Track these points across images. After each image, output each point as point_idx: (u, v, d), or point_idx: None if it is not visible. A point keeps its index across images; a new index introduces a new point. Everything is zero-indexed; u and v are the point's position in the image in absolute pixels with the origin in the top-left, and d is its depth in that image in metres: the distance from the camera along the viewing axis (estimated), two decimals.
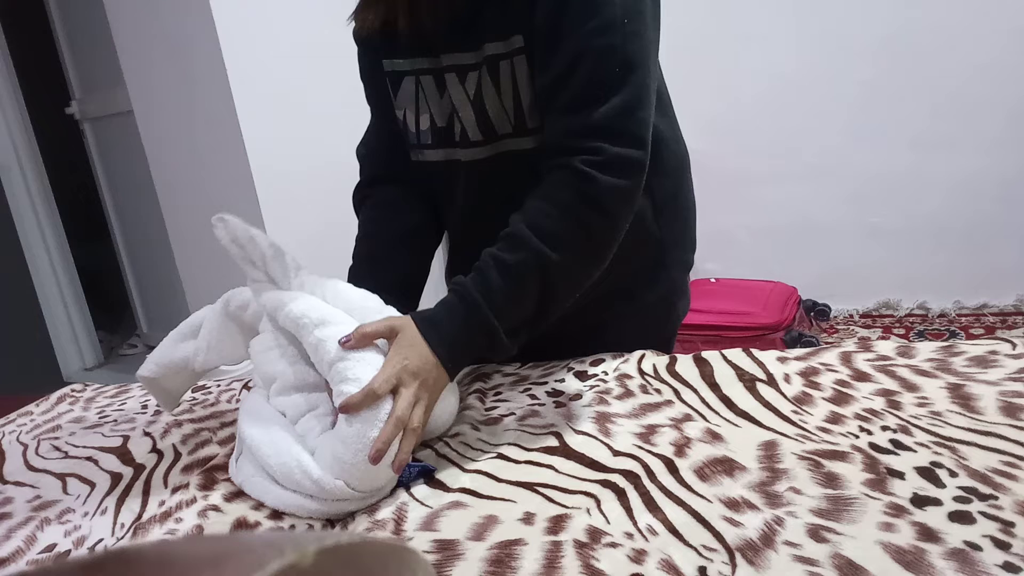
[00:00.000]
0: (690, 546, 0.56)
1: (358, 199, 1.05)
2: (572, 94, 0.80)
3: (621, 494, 0.64)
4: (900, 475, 0.60)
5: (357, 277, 0.96)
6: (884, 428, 0.68)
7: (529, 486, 0.67)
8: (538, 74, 0.83)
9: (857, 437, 0.67)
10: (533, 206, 0.81)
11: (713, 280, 2.65)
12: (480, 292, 0.78)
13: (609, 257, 0.84)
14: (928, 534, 0.53)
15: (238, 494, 0.75)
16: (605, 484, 0.66)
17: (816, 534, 0.55)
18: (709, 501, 0.61)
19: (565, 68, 0.80)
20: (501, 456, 0.74)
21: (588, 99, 0.80)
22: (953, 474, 0.60)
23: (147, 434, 0.94)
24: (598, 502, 0.63)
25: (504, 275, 0.78)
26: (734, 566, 0.53)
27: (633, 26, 0.80)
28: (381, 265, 0.98)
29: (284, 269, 0.79)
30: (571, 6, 0.79)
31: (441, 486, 0.70)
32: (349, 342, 0.73)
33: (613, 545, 0.57)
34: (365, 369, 0.72)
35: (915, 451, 0.64)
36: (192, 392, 1.10)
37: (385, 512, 0.68)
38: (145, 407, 1.07)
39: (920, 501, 0.57)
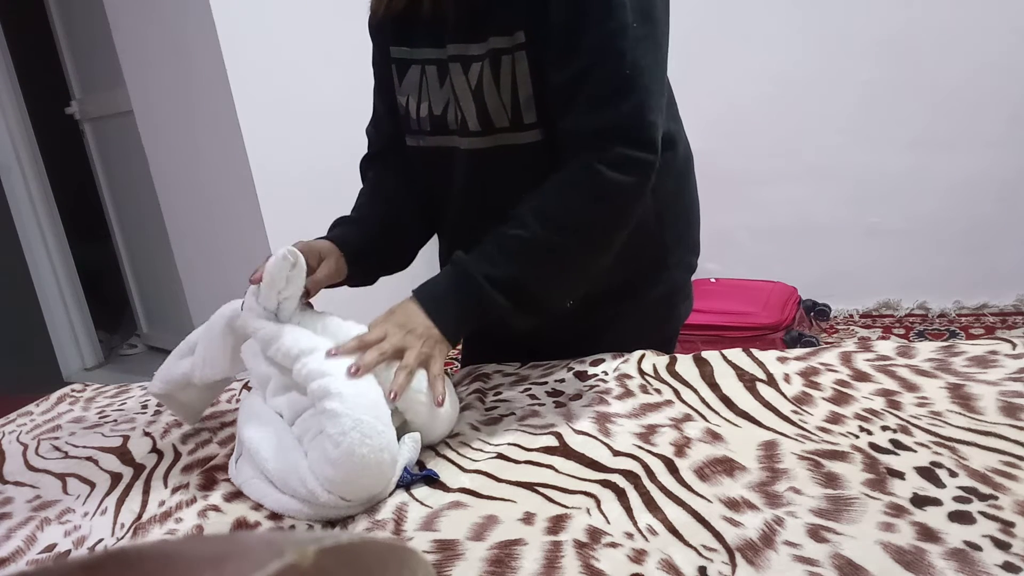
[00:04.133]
0: (690, 546, 0.56)
1: (364, 166, 1.07)
2: (585, 94, 0.82)
3: (621, 494, 0.64)
4: (900, 475, 0.61)
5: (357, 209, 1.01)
6: (884, 428, 0.68)
7: (529, 486, 0.67)
8: (552, 71, 0.84)
9: (857, 437, 0.67)
10: (539, 192, 0.86)
11: (713, 280, 2.65)
12: (470, 255, 0.85)
13: (610, 249, 0.87)
14: (928, 534, 0.53)
15: (238, 494, 0.75)
16: (605, 484, 0.66)
17: (816, 534, 0.55)
18: (709, 501, 0.61)
19: (579, 69, 0.82)
20: (501, 456, 0.74)
21: (600, 100, 0.82)
22: (953, 474, 0.60)
23: (147, 434, 0.94)
24: (598, 502, 0.63)
25: (497, 244, 0.85)
26: (734, 566, 0.53)
27: (646, 30, 0.82)
28: (380, 201, 1.03)
29: (291, 313, 0.79)
30: (586, 8, 0.80)
31: (441, 486, 0.70)
32: (356, 371, 0.73)
33: (613, 545, 0.57)
34: (347, 386, 0.70)
35: (915, 451, 0.64)
36: None
37: (385, 512, 0.68)
38: (145, 407, 1.07)
39: (920, 501, 0.57)
